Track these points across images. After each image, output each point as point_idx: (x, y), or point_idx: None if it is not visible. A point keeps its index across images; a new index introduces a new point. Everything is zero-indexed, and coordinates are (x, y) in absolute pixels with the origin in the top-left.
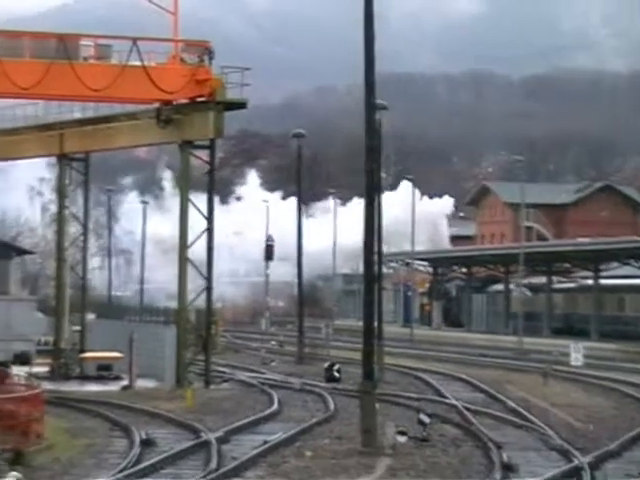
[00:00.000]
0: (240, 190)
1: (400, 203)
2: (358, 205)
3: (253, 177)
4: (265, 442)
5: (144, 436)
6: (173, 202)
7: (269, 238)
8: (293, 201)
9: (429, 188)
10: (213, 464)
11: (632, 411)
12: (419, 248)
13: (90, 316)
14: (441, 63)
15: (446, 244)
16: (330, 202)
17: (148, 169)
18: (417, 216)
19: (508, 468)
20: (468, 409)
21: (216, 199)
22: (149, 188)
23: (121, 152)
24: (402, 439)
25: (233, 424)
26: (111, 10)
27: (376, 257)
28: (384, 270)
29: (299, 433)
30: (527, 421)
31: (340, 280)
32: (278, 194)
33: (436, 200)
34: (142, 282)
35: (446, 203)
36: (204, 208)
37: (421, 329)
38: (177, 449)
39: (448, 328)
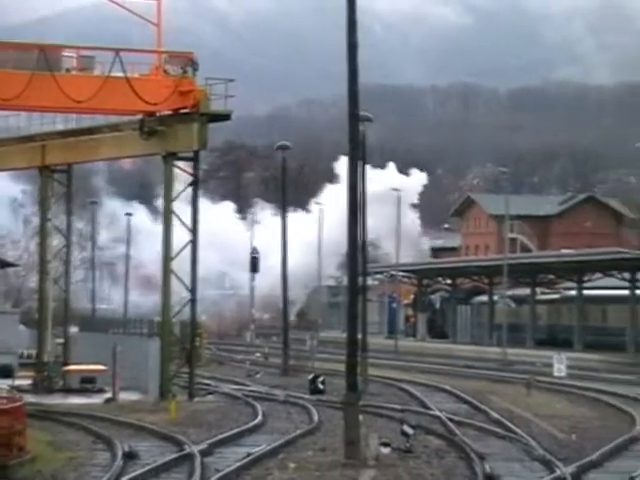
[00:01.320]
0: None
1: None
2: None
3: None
4: (248, 454)
5: (127, 449)
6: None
7: (254, 250)
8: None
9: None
10: (196, 477)
11: (615, 421)
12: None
13: (73, 329)
14: (429, 75)
15: (416, 233)
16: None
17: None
18: (378, 196)
19: (491, 479)
20: (452, 420)
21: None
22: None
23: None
24: (386, 450)
25: (217, 436)
26: (93, 22)
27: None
28: (369, 282)
29: (283, 445)
30: (510, 432)
31: (325, 292)
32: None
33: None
34: (126, 294)
35: (416, 180)
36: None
37: (406, 340)
38: (160, 462)
39: (433, 339)
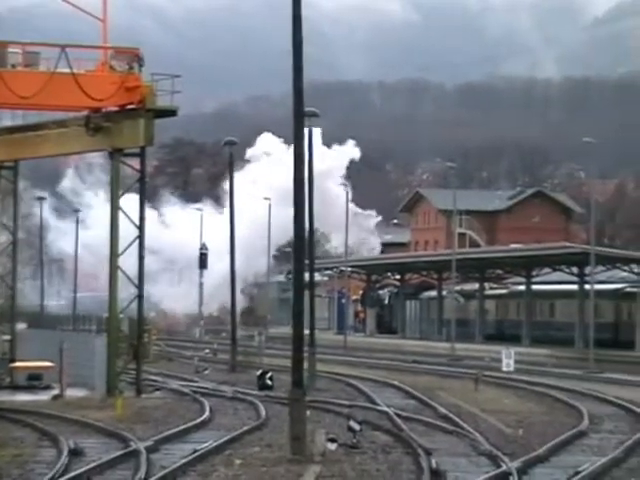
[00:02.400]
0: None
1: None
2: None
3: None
4: (195, 451)
5: (72, 446)
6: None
7: (203, 246)
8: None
9: (362, 196)
10: (141, 473)
11: (562, 416)
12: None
13: (21, 326)
14: (376, 71)
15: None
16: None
17: None
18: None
19: (436, 474)
20: (399, 416)
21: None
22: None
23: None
24: (332, 446)
25: (163, 433)
26: (41, 19)
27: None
28: (319, 277)
29: (229, 441)
30: (457, 427)
31: (275, 288)
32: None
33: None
34: (75, 291)
35: (347, 154)
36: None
37: (355, 336)
38: (105, 459)
39: (382, 335)
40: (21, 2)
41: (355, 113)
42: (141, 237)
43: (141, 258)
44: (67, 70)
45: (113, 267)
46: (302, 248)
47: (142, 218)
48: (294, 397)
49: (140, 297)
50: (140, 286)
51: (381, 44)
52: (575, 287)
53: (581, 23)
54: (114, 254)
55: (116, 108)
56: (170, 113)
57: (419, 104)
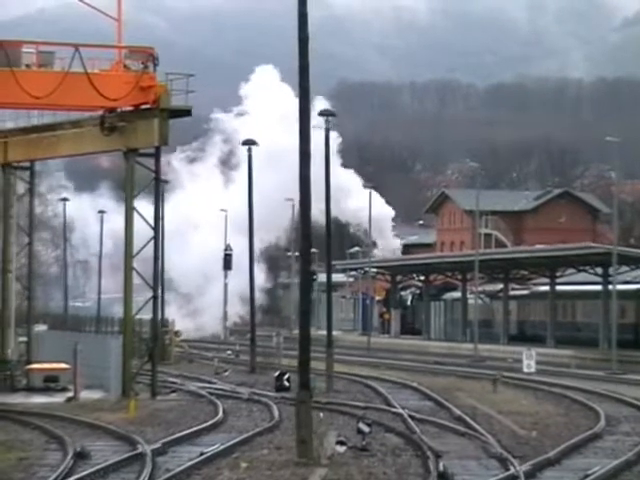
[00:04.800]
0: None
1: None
2: None
3: None
4: (202, 453)
5: (78, 448)
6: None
7: (227, 247)
8: None
9: (391, 196)
10: (145, 476)
11: (579, 418)
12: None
13: (42, 327)
14: (407, 71)
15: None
16: None
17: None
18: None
19: (444, 477)
20: (413, 417)
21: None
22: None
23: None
24: (341, 449)
25: (173, 435)
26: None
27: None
28: (344, 279)
29: (239, 444)
30: (471, 429)
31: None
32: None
33: None
34: (99, 292)
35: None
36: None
37: (380, 337)
38: (111, 461)
39: (406, 336)
40: (50, 3)
41: (385, 113)
42: (157, 238)
43: (156, 259)
44: (81, 70)
45: (128, 268)
46: (309, 248)
47: (157, 218)
48: (301, 399)
49: (155, 298)
50: (155, 287)
51: (412, 44)
52: (599, 287)
53: (611, 24)
54: (129, 255)
55: (131, 108)
56: (185, 113)
57: (449, 104)
